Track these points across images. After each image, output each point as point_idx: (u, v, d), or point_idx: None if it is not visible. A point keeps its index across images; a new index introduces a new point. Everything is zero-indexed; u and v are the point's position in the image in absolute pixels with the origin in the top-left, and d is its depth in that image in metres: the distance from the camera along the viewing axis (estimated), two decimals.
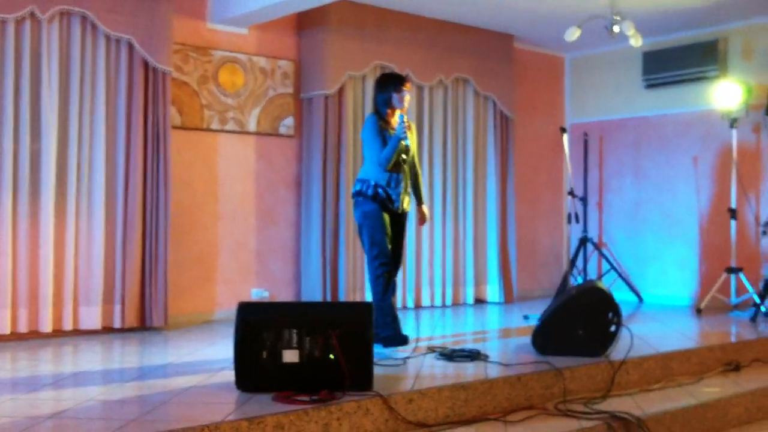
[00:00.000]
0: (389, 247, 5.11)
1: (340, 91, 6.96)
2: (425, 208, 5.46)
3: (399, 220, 5.25)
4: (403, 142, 5.05)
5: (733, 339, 5.81)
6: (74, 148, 5.72)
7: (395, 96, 5.17)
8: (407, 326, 5.66)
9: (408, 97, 5.25)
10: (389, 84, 5.22)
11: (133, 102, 5.93)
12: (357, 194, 5.15)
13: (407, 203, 5.26)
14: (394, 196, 5.12)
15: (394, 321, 5.06)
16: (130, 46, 5.92)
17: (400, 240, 5.29)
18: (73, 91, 5.73)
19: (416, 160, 5.40)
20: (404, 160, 5.17)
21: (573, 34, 6.86)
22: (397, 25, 7.31)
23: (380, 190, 5.08)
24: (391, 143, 5.05)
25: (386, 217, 5.11)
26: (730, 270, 7.22)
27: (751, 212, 7.37)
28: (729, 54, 7.65)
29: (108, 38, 5.86)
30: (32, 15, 5.53)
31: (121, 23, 5.83)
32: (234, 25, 6.63)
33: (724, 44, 7.64)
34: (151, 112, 5.99)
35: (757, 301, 6.78)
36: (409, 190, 5.28)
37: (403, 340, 5.02)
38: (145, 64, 5.98)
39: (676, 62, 7.88)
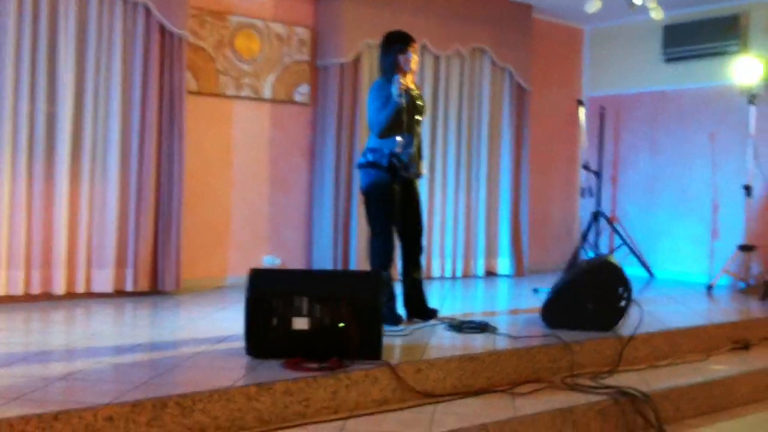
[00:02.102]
0: (393, 221, 4.87)
1: (356, 60, 6.92)
2: (422, 165, 5.13)
3: (412, 187, 5.01)
4: (406, 100, 4.76)
5: (742, 317, 5.78)
6: (90, 112, 5.73)
7: (401, 57, 4.83)
8: None
9: (416, 57, 4.91)
10: (394, 44, 4.86)
11: (149, 66, 5.92)
12: (369, 165, 4.83)
13: (421, 166, 5.05)
14: (408, 162, 4.84)
15: (390, 299, 4.86)
16: (147, 11, 5.90)
17: (416, 207, 5.04)
18: (89, 55, 5.72)
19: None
20: (417, 122, 4.92)
21: (593, 6, 6.77)
22: None
23: (395, 160, 4.78)
24: (387, 108, 4.73)
25: (397, 189, 4.87)
26: (743, 248, 7.19)
27: (767, 190, 7.30)
28: (750, 29, 7.55)
29: (125, 2, 5.84)
30: None
31: None
32: None
33: (745, 19, 7.54)
34: (166, 77, 5.98)
35: None
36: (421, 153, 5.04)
37: (395, 320, 4.81)
38: (162, 29, 5.96)
39: (697, 36, 7.79)
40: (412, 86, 4.97)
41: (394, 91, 4.74)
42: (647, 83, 8.38)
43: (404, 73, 4.87)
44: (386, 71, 4.91)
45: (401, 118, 4.82)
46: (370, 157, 4.85)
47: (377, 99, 4.83)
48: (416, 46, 4.96)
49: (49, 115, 5.57)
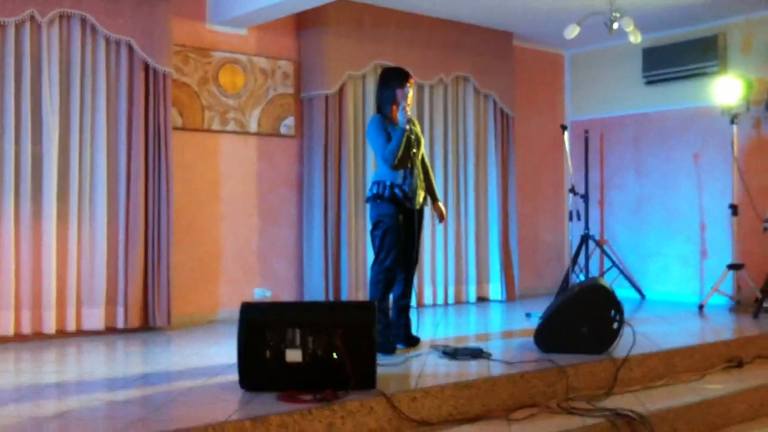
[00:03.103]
0: (399, 252, 4.99)
1: (341, 91, 6.97)
2: (441, 205, 5.34)
3: (414, 217, 5.12)
4: (408, 132, 4.94)
5: (735, 335, 5.79)
6: (76, 150, 5.73)
7: (399, 92, 5.07)
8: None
9: (411, 93, 5.14)
10: (393, 80, 5.10)
11: (134, 103, 5.94)
12: (374, 197, 5.02)
13: (422, 198, 5.17)
14: (410, 194, 5.00)
15: (386, 329, 4.96)
16: (130, 48, 5.93)
17: (415, 238, 5.16)
18: (73, 94, 5.73)
19: (425, 157, 5.31)
20: (414, 154, 5.06)
21: (572, 32, 6.86)
22: (395, 24, 7.31)
23: (397, 190, 4.96)
24: (395, 136, 4.95)
25: (401, 219, 5.01)
26: (733, 266, 7.22)
27: (753, 208, 7.35)
28: (729, 49, 7.65)
29: (108, 40, 5.87)
30: (32, 18, 5.54)
31: (121, 25, 5.84)
32: (233, 26, 6.64)
33: (723, 39, 7.64)
34: (152, 114, 6.00)
35: (760, 297, 6.77)
36: (424, 185, 5.18)
37: (390, 350, 4.87)
38: (146, 66, 5.99)
39: (676, 58, 7.88)
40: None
41: (402, 118, 4.94)
42: (629, 106, 8.46)
43: (397, 107, 5.07)
44: (384, 105, 5.13)
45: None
46: (375, 190, 5.05)
47: (379, 134, 5.02)
48: (413, 81, 5.22)
49: (35, 155, 5.57)
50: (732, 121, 7.27)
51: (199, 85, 6.47)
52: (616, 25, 6.58)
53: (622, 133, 8.55)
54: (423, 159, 5.26)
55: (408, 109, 5.02)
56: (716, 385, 4.88)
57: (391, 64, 7.13)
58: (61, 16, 5.68)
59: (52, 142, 5.60)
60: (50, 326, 5.56)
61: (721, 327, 6.29)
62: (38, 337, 5.56)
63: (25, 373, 4.57)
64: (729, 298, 7.33)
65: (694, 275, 7.88)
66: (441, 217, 5.34)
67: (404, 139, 4.95)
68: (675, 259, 8.06)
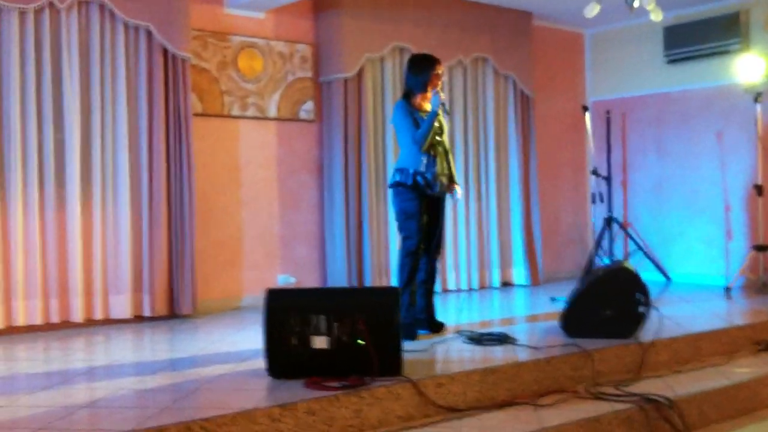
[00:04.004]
0: (422, 236, 5.01)
1: (359, 74, 6.92)
2: (458, 187, 5.31)
3: (438, 203, 5.17)
4: (441, 115, 5.01)
5: (763, 318, 5.72)
6: (97, 137, 5.73)
7: (433, 77, 5.07)
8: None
9: (442, 79, 5.18)
10: (427, 65, 5.11)
11: (153, 89, 5.93)
12: (396, 185, 5.04)
13: (446, 185, 5.18)
14: (432, 181, 5.01)
15: (408, 314, 4.88)
16: (149, 34, 5.91)
17: (438, 223, 5.18)
18: (94, 80, 5.73)
19: (446, 141, 5.31)
20: (438, 142, 5.09)
21: (592, 10, 6.75)
22: (413, 5, 7.25)
23: (419, 178, 4.98)
24: (427, 120, 4.97)
25: (423, 206, 5.03)
26: (758, 248, 7.15)
27: None
28: (751, 26, 7.53)
29: (126, 26, 5.86)
30: (51, 4, 5.53)
31: (139, 10, 5.82)
32: (251, 10, 6.60)
33: (745, 16, 7.52)
34: (172, 100, 5.99)
35: None
36: (446, 171, 5.18)
37: (410, 335, 4.84)
38: (165, 52, 5.97)
39: (698, 36, 7.77)
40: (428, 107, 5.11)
41: (435, 101, 4.99)
42: (651, 85, 8.37)
43: (426, 93, 5.12)
44: (413, 91, 5.14)
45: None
46: (397, 177, 5.06)
47: (406, 119, 5.04)
48: (443, 67, 5.25)
49: (57, 142, 5.58)
50: (755, 100, 7.18)
51: (218, 70, 6.45)
52: (636, 3, 6.48)
53: (643, 113, 8.46)
54: (444, 143, 5.24)
55: (442, 94, 5.02)
56: (744, 369, 4.85)
57: (409, 46, 7.10)
58: (80, 2, 5.67)
59: (73, 130, 5.60)
60: (78, 315, 5.59)
61: (748, 310, 6.24)
62: (66, 325, 5.58)
63: (54, 362, 4.60)
64: (755, 279, 7.22)
65: (719, 256, 7.80)
66: (450, 189, 5.24)
67: (434, 127, 4.97)
68: (699, 241, 7.99)
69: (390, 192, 5.20)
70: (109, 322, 5.75)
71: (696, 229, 8.01)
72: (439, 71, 5.12)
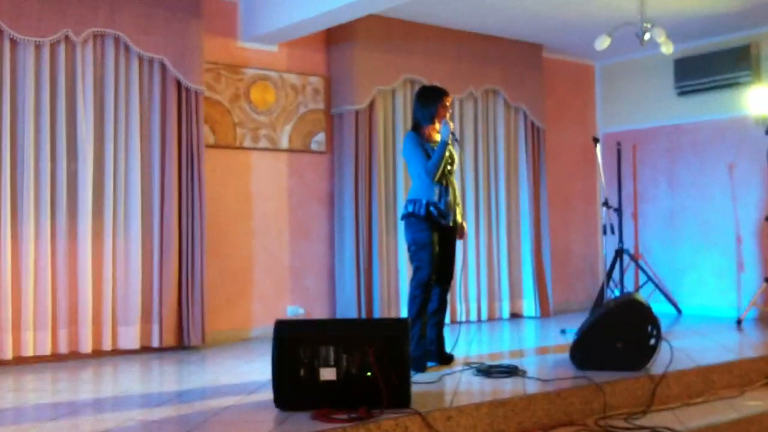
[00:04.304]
0: (434, 267, 5.00)
1: (371, 106, 6.97)
2: (464, 223, 5.36)
3: (450, 234, 5.17)
4: (451, 145, 5.04)
5: None
6: (110, 168, 5.78)
7: (441, 109, 5.11)
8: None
9: (450, 111, 5.23)
10: (435, 97, 5.15)
11: (167, 121, 5.98)
12: (409, 215, 5.04)
13: (459, 215, 5.21)
14: (445, 211, 5.03)
15: (418, 346, 4.88)
16: (163, 66, 5.99)
17: (450, 255, 5.20)
18: (108, 112, 5.79)
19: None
20: (450, 171, 5.11)
21: (603, 43, 6.80)
22: (424, 37, 7.31)
23: (432, 209, 4.99)
24: (438, 150, 4.99)
25: (436, 237, 5.02)
26: None
27: None
28: (762, 59, 7.55)
29: (141, 59, 5.93)
30: (66, 38, 5.61)
31: (153, 44, 5.90)
32: (264, 43, 6.68)
33: (756, 49, 7.55)
34: (184, 131, 6.04)
35: None
36: (459, 201, 5.22)
37: (420, 367, 4.84)
38: (178, 84, 6.04)
39: (709, 68, 7.79)
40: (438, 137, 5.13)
41: (445, 131, 5.00)
42: (662, 117, 8.38)
43: (434, 125, 5.15)
44: (421, 123, 5.17)
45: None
46: (410, 208, 5.06)
47: (417, 150, 5.06)
48: (451, 98, 5.35)
49: (70, 172, 5.62)
50: (767, 132, 7.17)
51: (231, 102, 6.51)
52: (647, 36, 6.52)
53: (654, 144, 8.46)
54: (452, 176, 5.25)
55: (451, 124, 5.06)
56: (756, 402, 4.80)
57: (420, 78, 7.15)
58: (95, 36, 5.75)
59: (87, 160, 5.66)
60: (86, 345, 5.60)
61: (760, 342, 6.18)
62: (75, 356, 5.59)
63: (62, 393, 4.60)
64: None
65: (731, 288, 7.76)
66: (461, 235, 5.32)
67: (445, 157, 5.00)
68: (710, 273, 7.95)
69: (402, 223, 5.21)
70: (117, 352, 5.75)
71: (707, 260, 7.97)
72: (447, 103, 5.16)
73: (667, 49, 6.68)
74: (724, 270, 7.83)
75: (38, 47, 5.52)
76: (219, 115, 6.44)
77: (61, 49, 5.60)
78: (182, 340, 5.96)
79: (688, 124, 8.16)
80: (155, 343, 5.87)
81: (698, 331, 6.66)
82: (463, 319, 7.49)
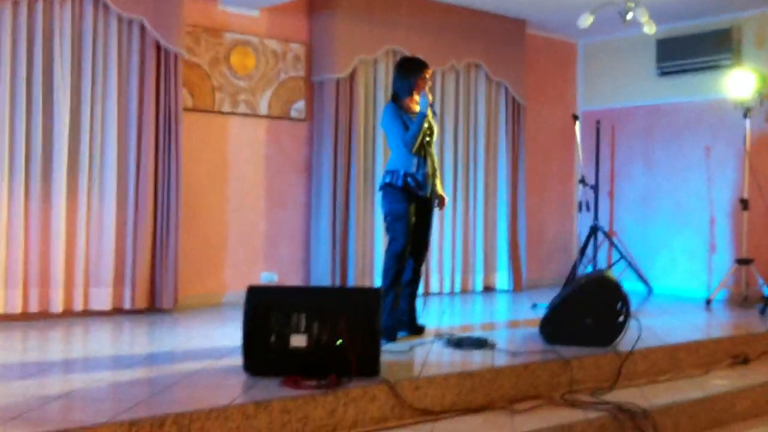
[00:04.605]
0: (410, 239, 5.00)
1: (352, 76, 6.94)
2: (443, 194, 5.34)
3: (427, 205, 5.18)
4: (430, 117, 5.02)
5: (741, 331, 5.77)
6: (86, 129, 5.72)
7: (420, 81, 5.08)
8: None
9: (429, 83, 5.21)
10: (414, 69, 5.13)
11: (145, 83, 5.92)
12: (386, 186, 5.05)
13: (438, 186, 5.22)
14: (422, 182, 5.03)
15: (390, 316, 4.91)
16: (142, 27, 5.91)
17: (426, 226, 5.21)
18: (85, 72, 5.73)
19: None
20: (428, 142, 5.10)
21: (586, 21, 6.80)
22: (407, 9, 7.27)
23: (410, 179, 4.99)
24: (416, 121, 4.98)
25: (413, 208, 5.04)
26: (741, 261, 7.19)
27: (764, 203, 7.31)
28: (743, 42, 7.58)
29: (120, 19, 5.85)
30: None
31: (133, 4, 5.81)
32: (245, 7, 6.61)
33: (737, 32, 7.57)
34: (162, 94, 5.99)
35: (767, 293, 6.74)
36: (438, 172, 5.22)
37: (391, 337, 4.87)
38: (157, 46, 5.97)
39: (690, 50, 7.81)
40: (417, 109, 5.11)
41: (424, 103, 4.98)
42: (642, 97, 8.41)
43: (413, 97, 5.11)
44: (400, 94, 5.14)
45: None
46: (387, 179, 5.06)
47: (395, 121, 5.05)
48: (432, 71, 5.31)
49: (45, 132, 5.55)
50: (744, 115, 7.22)
51: (211, 66, 6.45)
52: (630, 15, 6.53)
53: (633, 124, 8.50)
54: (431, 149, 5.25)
55: (430, 96, 5.04)
56: (721, 381, 4.88)
57: (402, 49, 7.11)
58: None
59: (63, 120, 5.60)
60: (57, 305, 5.57)
61: (728, 323, 6.28)
62: (45, 316, 5.57)
63: (31, 352, 4.60)
64: (737, 293, 7.27)
65: (702, 269, 7.85)
66: (441, 204, 5.33)
67: (423, 128, 4.99)
68: (683, 253, 8.03)
69: (379, 193, 5.22)
70: (88, 314, 5.73)
71: (680, 241, 8.05)
72: (427, 75, 5.14)
73: (650, 29, 6.69)
74: (696, 251, 7.91)
75: (16, 4, 5.43)
76: (198, 78, 6.39)
77: (39, 7, 5.52)
78: (154, 303, 5.96)
79: (668, 105, 8.20)
80: (127, 305, 5.85)
81: (667, 311, 6.75)
82: (437, 290, 7.53)
